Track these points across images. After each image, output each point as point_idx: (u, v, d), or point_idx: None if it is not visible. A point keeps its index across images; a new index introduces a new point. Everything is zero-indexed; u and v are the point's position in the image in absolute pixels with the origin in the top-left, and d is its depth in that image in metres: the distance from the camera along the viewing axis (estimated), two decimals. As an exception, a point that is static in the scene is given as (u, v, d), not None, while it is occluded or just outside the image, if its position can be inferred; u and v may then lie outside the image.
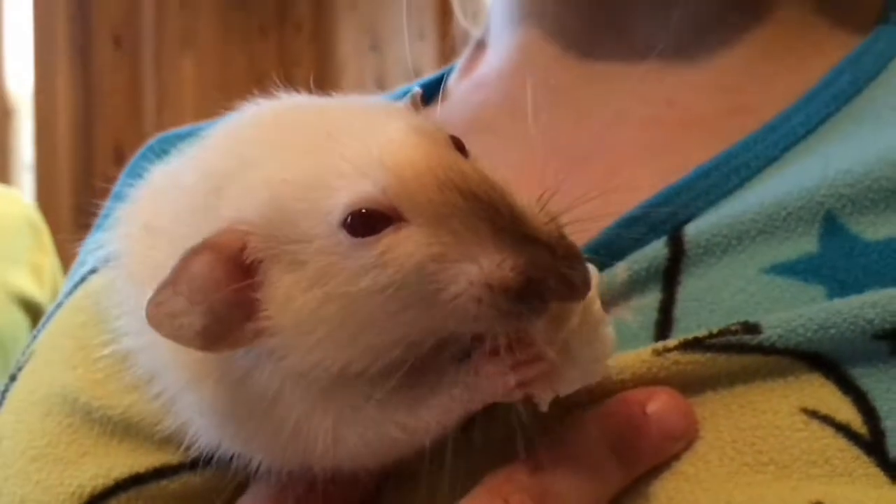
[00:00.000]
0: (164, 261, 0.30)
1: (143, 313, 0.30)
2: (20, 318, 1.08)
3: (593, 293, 0.31)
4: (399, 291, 0.29)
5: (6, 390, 0.43)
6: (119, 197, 0.52)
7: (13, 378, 0.43)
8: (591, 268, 0.31)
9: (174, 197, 0.34)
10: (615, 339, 0.32)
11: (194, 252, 0.29)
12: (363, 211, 0.29)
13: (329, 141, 0.30)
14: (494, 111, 0.48)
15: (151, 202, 0.36)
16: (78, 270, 0.48)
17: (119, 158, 2.53)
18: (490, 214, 0.29)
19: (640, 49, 0.45)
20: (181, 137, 0.42)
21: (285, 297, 0.30)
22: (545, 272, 0.28)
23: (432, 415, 0.31)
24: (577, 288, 0.28)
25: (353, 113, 0.32)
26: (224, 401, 0.32)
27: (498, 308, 0.28)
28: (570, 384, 0.31)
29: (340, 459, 0.32)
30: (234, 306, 0.30)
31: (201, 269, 0.29)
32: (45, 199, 2.47)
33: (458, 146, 0.32)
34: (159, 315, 0.29)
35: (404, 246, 0.29)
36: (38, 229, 1.22)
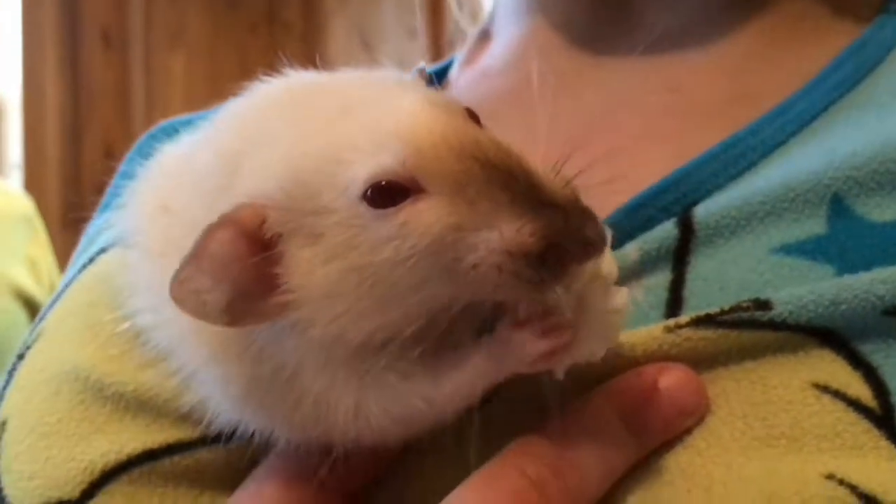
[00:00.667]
0: (182, 238, 0.30)
1: (161, 289, 0.30)
2: (19, 312, 1.07)
3: (605, 252, 0.31)
4: (420, 262, 0.29)
5: (13, 370, 0.43)
6: (126, 176, 0.52)
7: (20, 357, 0.43)
8: (631, 249, 0.32)
9: (189, 178, 0.34)
10: (628, 295, 0.32)
11: (215, 228, 0.29)
12: (383, 183, 0.29)
13: (345, 115, 0.31)
14: (499, 100, 0.48)
15: (165, 183, 0.36)
16: (85, 251, 0.48)
17: (108, 157, 2.52)
18: (507, 181, 0.29)
19: (645, 39, 0.45)
20: (190, 123, 0.42)
21: (306, 270, 0.30)
22: (562, 235, 0.28)
23: (456, 386, 0.31)
24: (594, 246, 0.29)
25: (367, 86, 0.33)
26: (245, 375, 0.32)
27: (518, 274, 0.28)
28: (588, 350, 0.31)
29: (362, 432, 0.32)
30: (257, 281, 0.30)
31: (223, 245, 0.29)
32: (34, 197, 2.45)
33: (472, 117, 0.32)
34: (184, 292, 0.29)
35: (424, 216, 0.29)
36: (34, 224, 1.21)
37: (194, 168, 0.34)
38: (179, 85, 2.71)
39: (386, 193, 0.29)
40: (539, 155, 0.31)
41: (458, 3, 0.60)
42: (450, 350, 0.31)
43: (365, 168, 0.29)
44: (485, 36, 0.56)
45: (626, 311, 0.32)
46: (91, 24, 2.61)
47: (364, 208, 0.29)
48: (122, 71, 2.65)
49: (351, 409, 0.32)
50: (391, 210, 0.29)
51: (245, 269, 0.30)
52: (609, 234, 0.32)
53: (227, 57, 2.74)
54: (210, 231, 0.29)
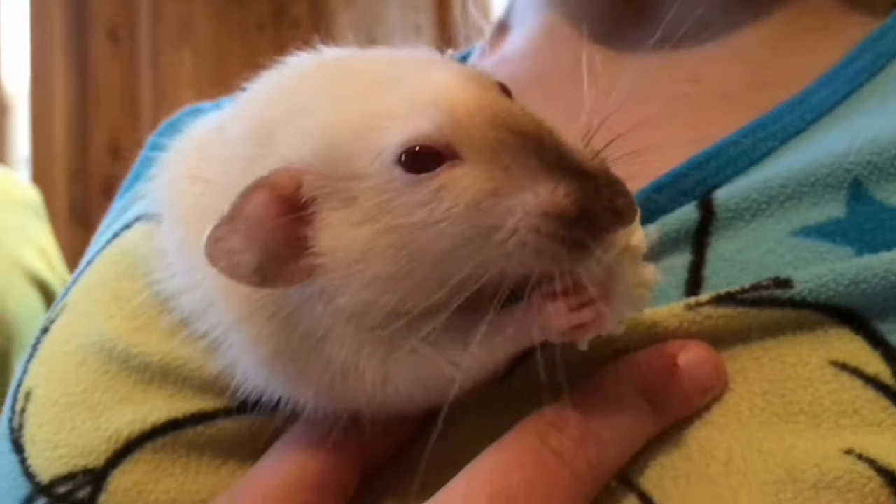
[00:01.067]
0: (214, 205, 0.31)
1: (192, 253, 0.32)
2: (35, 298, 1.08)
3: (634, 223, 0.31)
4: (453, 227, 0.29)
5: (37, 343, 0.43)
6: (145, 164, 0.52)
7: (45, 331, 0.43)
8: (651, 229, 0.32)
9: (222, 148, 0.34)
10: (655, 271, 0.33)
11: (251, 190, 0.30)
12: (418, 148, 0.29)
13: (380, 86, 0.31)
14: (520, 85, 0.48)
15: (196, 154, 0.36)
16: (109, 228, 0.48)
17: (115, 153, 2.53)
18: (540, 149, 0.30)
19: (664, 31, 0.46)
20: (219, 107, 0.43)
21: (337, 233, 0.30)
22: (595, 200, 0.29)
23: (483, 351, 0.32)
24: (625, 213, 0.29)
25: (400, 61, 0.33)
26: (274, 338, 0.33)
27: (555, 236, 0.29)
28: (614, 321, 0.32)
29: (389, 399, 0.33)
30: (289, 244, 0.30)
31: (258, 208, 0.30)
32: (41, 192, 2.46)
33: (505, 92, 0.33)
34: (217, 251, 0.30)
35: (460, 182, 0.29)
36: (42, 215, 1.22)
37: (227, 138, 0.34)
38: (187, 81, 2.71)
39: (421, 159, 0.30)
40: (573, 131, 0.32)
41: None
42: (479, 320, 0.31)
43: (401, 133, 0.30)
44: (503, 27, 0.56)
45: (654, 284, 0.33)
46: (99, 21, 2.61)
47: (399, 172, 0.30)
48: (129, 67, 2.66)
49: (379, 374, 0.32)
50: (426, 175, 0.29)
51: (278, 232, 0.30)
52: (638, 208, 0.32)
53: (235, 53, 2.75)
54: (246, 193, 0.30)
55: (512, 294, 0.31)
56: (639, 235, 0.32)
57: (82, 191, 2.51)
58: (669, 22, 0.45)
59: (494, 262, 0.30)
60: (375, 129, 0.30)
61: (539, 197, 0.29)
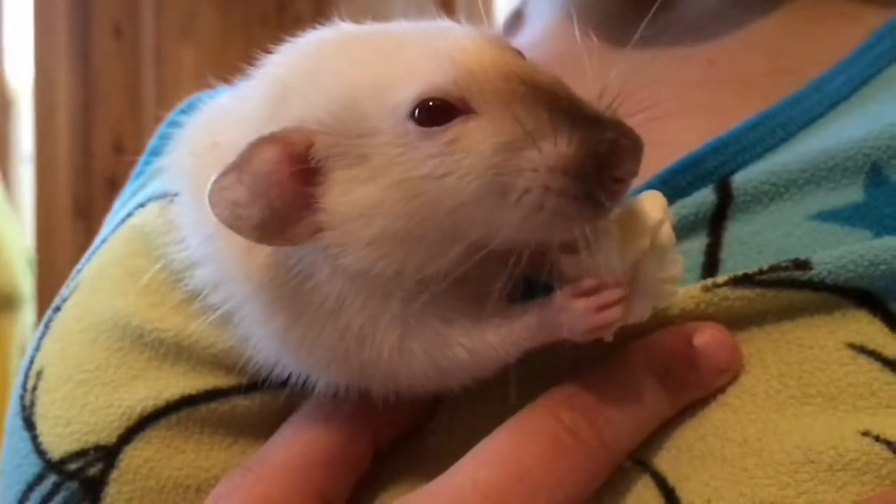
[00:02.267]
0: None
1: (208, 223, 0.31)
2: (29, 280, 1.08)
3: (661, 216, 0.31)
4: (464, 181, 0.29)
5: (49, 321, 0.43)
6: (157, 148, 0.52)
7: (57, 309, 0.44)
8: (658, 194, 0.32)
9: (239, 111, 0.34)
10: (684, 262, 0.32)
11: (260, 144, 0.30)
12: (431, 102, 0.30)
13: (397, 47, 0.31)
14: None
15: (213, 124, 0.36)
16: (123, 206, 0.49)
17: (118, 149, 2.53)
18: (551, 101, 0.30)
19: (678, 26, 0.46)
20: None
21: (344, 190, 0.30)
22: (600, 142, 0.29)
23: (500, 342, 0.32)
24: (629, 151, 0.29)
25: (418, 26, 0.34)
26: (288, 308, 0.33)
27: (565, 193, 0.28)
28: (640, 312, 0.32)
29: (404, 376, 0.33)
30: (295, 203, 0.30)
31: (266, 163, 0.30)
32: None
33: (517, 53, 0.33)
34: (220, 199, 0.30)
35: (473, 135, 0.29)
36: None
37: (244, 103, 0.34)
38: (190, 77, 2.71)
39: (434, 112, 0.29)
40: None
41: None
42: (497, 304, 0.31)
43: (414, 87, 0.30)
44: (518, 18, 0.56)
45: (680, 279, 0.33)
46: (102, 17, 2.61)
47: (412, 126, 0.30)
48: (132, 63, 2.66)
49: (396, 346, 0.32)
50: (438, 129, 0.29)
51: (283, 189, 0.30)
52: (661, 198, 0.32)
53: (238, 49, 2.74)
54: (255, 146, 0.30)
55: (531, 271, 0.31)
56: (666, 232, 0.32)
57: (86, 187, 2.51)
58: (682, 17, 0.45)
59: (510, 225, 0.30)
60: (390, 86, 0.30)
61: (544, 151, 0.29)
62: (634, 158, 0.29)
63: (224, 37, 2.75)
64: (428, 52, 0.31)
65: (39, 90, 2.50)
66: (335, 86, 0.31)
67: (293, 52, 0.34)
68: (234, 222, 0.30)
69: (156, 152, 0.55)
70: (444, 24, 0.34)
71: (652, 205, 0.31)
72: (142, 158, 0.57)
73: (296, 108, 0.31)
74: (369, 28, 0.34)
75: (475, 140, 0.29)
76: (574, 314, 0.30)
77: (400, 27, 0.34)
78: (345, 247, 0.30)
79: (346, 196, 0.30)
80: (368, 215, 0.30)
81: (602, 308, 0.30)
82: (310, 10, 2.87)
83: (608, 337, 0.31)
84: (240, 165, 0.30)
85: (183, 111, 0.57)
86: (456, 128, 0.29)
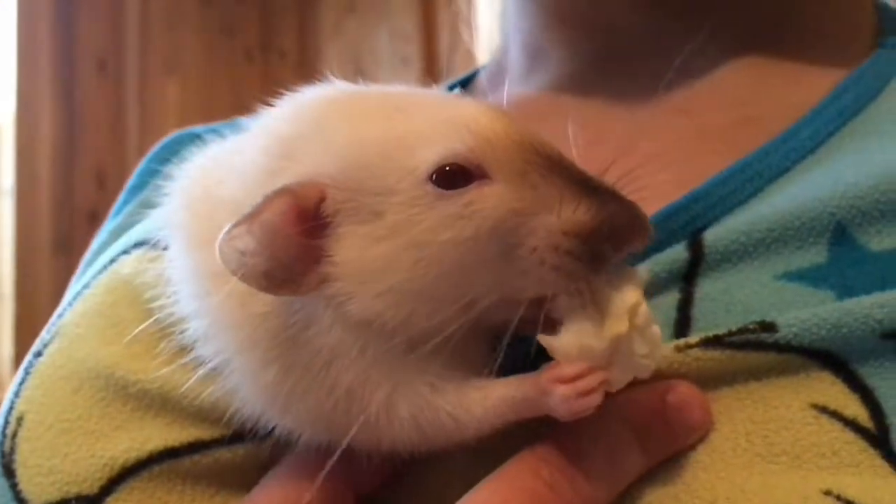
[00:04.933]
0: (226, 221, 0.31)
1: (202, 277, 0.32)
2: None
3: (638, 298, 0.32)
4: (480, 244, 0.30)
5: (30, 366, 0.42)
6: (138, 186, 0.52)
7: (38, 354, 0.43)
8: (636, 271, 0.33)
9: (235, 165, 0.35)
10: (661, 336, 0.33)
11: (274, 196, 0.31)
12: (449, 167, 0.31)
13: (401, 112, 0.33)
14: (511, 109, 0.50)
15: (207, 176, 0.36)
16: (102, 251, 0.49)
17: (101, 183, 2.52)
18: (564, 171, 0.31)
19: (649, 81, 0.47)
20: (199, 135, 0.43)
21: (358, 245, 0.31)
22: (616, 213, 0.31)
23: (484, 414, 0.32)
24: (645, 228, 0.31)
25: (416, 92, 0.35)
26: (278, 362, 0.33)
27: (572, 253, 0.30)
28: (618, 384, 0.32)
29: (387, 435, 0.33)
30: (302, 254, 0.31)
31: (276, 215, 0.31)
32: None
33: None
34: (229, 248, 0.30)
35: (490, 199, 0.31)
36: None
37: (244, 156, 0.34)
38: (173, 112, 2.72)
39: (452, 177, 0.31)
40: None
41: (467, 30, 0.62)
42: (479, 367, 0.33)
43: (434, 151, 0.31)
44: (499, 70, 0.57)
45: (657, 352, 0.33)
46: (86, 51, 2.61)
47: (430, 188, 0.31)
48: (116, 97, 2.66)
49: (383, 406, 0.32)
50: (456, 192, 0.31)
51: (292, 242, 0.31)
52: (643, 273, 0.34)
53: (222, 84, 2.76)
54: (269, 199, 0.30)
55: (517, 338, 0.32)
56: (643, 312, 0.32)
57: (67, 221, 2.50)
58: (652, 68, 0.46)
59: (511, 280, 0.31)
60: (405, 147, 0.31)
61: (561, 216, 0.30)
62: (648, 233, 0.31)
63: (208, 72, 2.77)
64: (443, 118, 0.32)
65: (21, 122, 2.49)
66: (346, 143, 0.32)
67: (294, 108, 0.34)
68: (240, 270, 0.30)
69: (135, 190, 0.55)
70: (435, 92, 0.36)
71: (629, 284, 0.32)
72: (121, 196, 0.57)
73: (305, 161, 0.32)
74: (363, 89, 0.35)
75: (492, 205, 0.30)
76: (556, 399, 0.31)
77: (399, 89, 0.35)
78: (352, 296, 0.31)
79: (359, 251, 0.31)
80: (382, 270, 0.31)
81: (583, 394, 0.31)
82: (294, 46, 2.89)
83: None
84: (251, 217, 0.30)
85: (164, 148, 0.57)
86: (473, 192, 0.31)
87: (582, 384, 0.31)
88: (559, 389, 0.31)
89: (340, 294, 0.31)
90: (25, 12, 2.50)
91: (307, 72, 2.85)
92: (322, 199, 0.31)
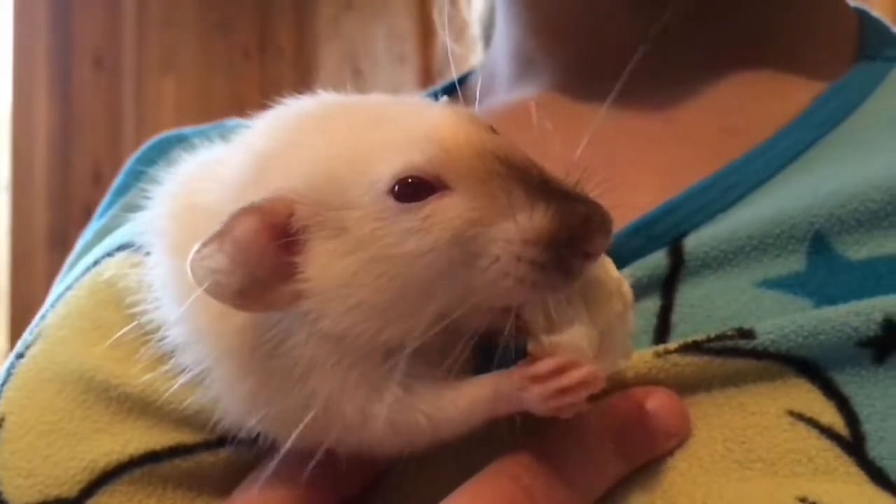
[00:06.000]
0: (206, 231, 0.31)
1: (181, 285, 0.32)
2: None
3: (619, 276, 0.33)
4: (441, 255, 0.30)
5: (11, 367, 0.42)
6: (124, 187, 0.52)
7: (20, 356, 0.43)
8: (606, 257, 0.33)
9: (219, 175, 0.35)
10: (637, 319, 0.34)
11: (242, 214, 0.31)
12: (409, 179, 0.31)
13: (374, 123, 0.33)
14: (495, 122, 0.50)
15: (192, 184, 0.37)
16: (87, 251, 0.49)
17: (97, 180, 2.52)
18: (524, 178, 0.31)
19: (635, 81, 0.47)
20: (186, 137, 0.43)
21: (326, 261, 0.31)
22: (573, 217, 0.30)
23: (460, 411, 0.32)
24: (600, 227, 0.30)
25: (395, 102, 0.35)
26: (257, 372, 0.33)
27: (535, 262, 0.30)
28: (606, 371, 0.32)
29: (366, 440, 0.33)
30: (275, 271, 0.31)
31: (246, 232, 0.31)
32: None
33: (491, 129, 0.34)
34: (201, 268, 0.30)
35: (448, 210, 0.31)
36: None
37: (225, 168, 0.35)
38: (170, 109, 2.71)
39: (412, 189, 0.31)
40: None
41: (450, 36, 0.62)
42: (460, 370, 0.32)
43: (393, 164, 0.31)
44: (490, 77, 0.57)
45: (635, 332, 0.34)
46: (83, 48, 2.61)
47: (391, 202, 0.31)
48: (112, 95, 2.66)
49: (358, 414, 0.32)
50: (416, 204, 0.31)
51: (264, 257, 0.31)
52: (612, 264, 0.33)
53: (219, 82, 2.76)
54: (237, 216, 0.31)
55: (491, 336, 0.32)
56: (628, 290, 0.33)
57: (63, 216, 2.50)
58: (641, 76, 0.46)
59: (477, 291, 0.31)
60: (368, 161, 0.31)
61: (519, 224, 0.30)
62: (605, 233, 0.30)
63: (205, 69, 2.77)
64: (404, 130, 0.32)
65: (18, 118, 2.49)
66: (314, 158, 0.32)
67: (274, 122, 0.35)
68: (213, 289, 0.31)
69: (120, 192, 0.56)
70: (420, 100, 0.36)
71: (606, 269, 0.33)
72: (107, 196, 0.57)
73: (276, 176, 0.32)
74: (348, 100, 0.36)
75: (450, 216, 0.30)
76: (532, 396, 0.31)
77: (379, 99, 0.35)
78: (324, 311, 0.31)
79: (327, 268, 0.31)
80: (348, 286, 0.31)
81: (561, 393, 0.30)
82: (291, 44, 2.89)
83: (567, 416, 0.32)
84: (221, 235, 0.30)
85: (150, 149, 0.57)
86: (432, 204, 0.31)
87: (560, 382, 0.30)
88: (534, 388, 0.31)
89: (312, 310, 0.31)
90: (22, 9, 2.50)
91: (304, 70, 2.85)
92: (290, 215, 0.31)
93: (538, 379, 0.31)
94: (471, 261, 0.31)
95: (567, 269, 0.30)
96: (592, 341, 0.31)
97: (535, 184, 0.31)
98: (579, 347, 0.31)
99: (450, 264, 0.30)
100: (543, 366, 0.31)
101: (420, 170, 0.31)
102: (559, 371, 0.31)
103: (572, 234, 0.30)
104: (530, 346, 0.32)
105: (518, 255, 0.30)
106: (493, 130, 0.33)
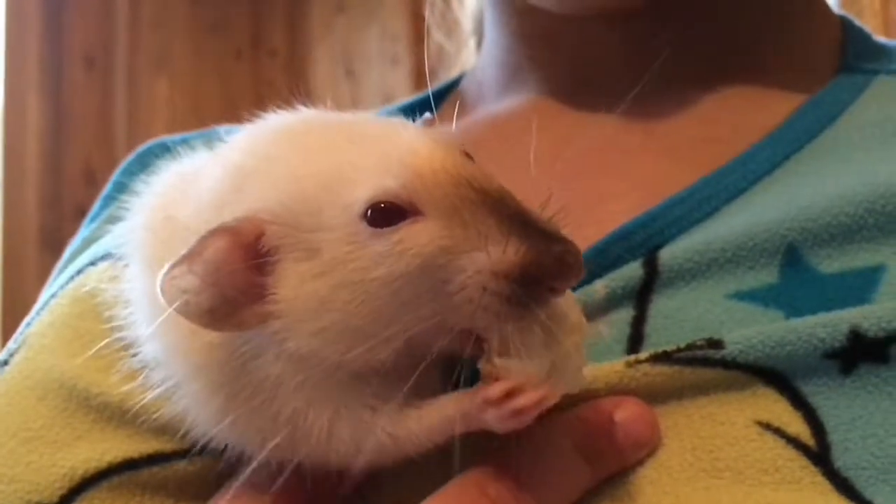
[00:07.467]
0: (181, 248, 0.31)
1: (152, 301, 0.32)
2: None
3: (580, 313, 0.33)
4: (411, 281, 0.30)
5: None
6: (119, 188, 0.53)
7: (4, 363, 0.43)
8: (568, 291, 0.33)
9: (197, 191, 0.35)
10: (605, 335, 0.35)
11: (213, 234, 0.31)
12: (382, 205, 0.31)
13: (350, 144, 0.33)
14: (483, 131, 0.51)
15: (170, 196, 0.37)
16: (72, 263, 0.49)
17: (89, 180, 2.51)
18: (497, 208, 0.31)
19: (618, 98, 0.47)
20: (186, 141, 0.43)
21: (296, 282, 0.31)
22: (545, 255, 0.30)
23: (422, 430, 0.33)
24: (572, 268, 0.30)
25: (371, 122, 0.35)
26: (226, 387, 0.33)
27: (500, 294, 0.30)
28: (554, 398, 0.32)
29: (332, 456, 0.33)
30: (244, 292, 0.31)
31: (217, 253, 0.31)
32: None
33: (468, 156, 0.34)
34: (171, 288, 0.31)
35: (419, 237, 0.31)
36: None
37: (202, 182, 0.35)
38: (162, 110, 2.71)
39: (385, 214, 0.31)
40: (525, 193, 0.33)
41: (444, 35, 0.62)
42: (422, 389, 0.33)
43: (367, 189, 0.31)
44: (477, 85, 0.57)
45: (585, 365, 0.34)
46: (74, 48, 2.60)
47: (363, 226, 0.31)
48: (104, 95, 2.65)
49: (324, 432, 0.33)
50: (388, 229, 0.31)
51: (234, 278, 0.31)
52: (574, 297, 0.34)
53: (211, 82, 2.75)
54: (207, 237, 0.31)
55: (451, 358, 0.32)
56: (587, 327, 0.33)
57: (55, 217, 2.49)
58: (621, 92, 0.47)
59: (444, 314, 0.31)
60: (342, 183, 0.31)
61: (491, 256, 0.30)
62: (576, 274, 0.31)
63: (197, 70, 2.76)
64: (380, 153, 0.32)
65: (9, 119, 2.48)
66: (287, 178, 0.32)
67: (251, 139, 0.35)
68: (184, 308, 0.31)
69: (108, 201, 0.56)
70: (398, 121, 0.36)
71: (568, 300, 0.33)
72: (96, 203, 0.57)
73: (250, 196, 0.32)
74: (328, 117, 0.36)
75: (421, 241, 0.30)
76: (489, 416, 0.31)
77: (356, 118, 0.36)
78: (292, 332, 0.31)
79: (298, 289, 0.31)
80: (317, 309, 0.31)
81: (517, 414, 0.31)
82: (284, 45, 2.89)
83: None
84: (191, 256, 0.30)
85: (136, 159, 0.58)
86: (404, 229, 0.31)
87: (513, 404, 0.31)
88: (489, 411, 0.31)
89: (280, 330, 0.31)
90: (14, 8, 2.49)
91: (296, 71, 2.85)
92: (261, 235, 0.31)
93: (491, 402, 0.31)
94: (439, 287, 0.31)
95: (532, 303, 0.30)
96: (543, 367, 0.31)
97: (510, 215, 0.31)
98: (529, 372, 0.31)
99: (419, 290, 0.31)
100: (494, 390, 0.31)
101: (394, 195, 0.31)
102: (511, 394, 0.31)
103: (543, 272, 0.30)
104: (482, 367, 0.32)
105: (485, 286, 0.30)
106: (469, 156, 0.33)
